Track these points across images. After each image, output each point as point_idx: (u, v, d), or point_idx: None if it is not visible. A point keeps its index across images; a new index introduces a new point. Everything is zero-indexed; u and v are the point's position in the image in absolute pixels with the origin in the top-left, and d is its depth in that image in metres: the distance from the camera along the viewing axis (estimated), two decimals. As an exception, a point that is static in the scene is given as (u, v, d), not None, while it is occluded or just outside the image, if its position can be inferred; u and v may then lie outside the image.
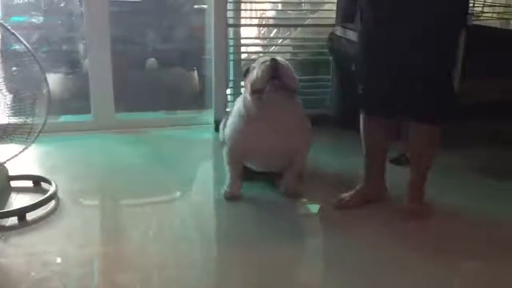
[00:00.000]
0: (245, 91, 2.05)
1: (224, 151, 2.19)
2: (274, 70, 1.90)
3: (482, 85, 2.76)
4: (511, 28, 3.25)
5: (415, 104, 1.93)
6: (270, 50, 3.52)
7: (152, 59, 4.47)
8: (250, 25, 3.34)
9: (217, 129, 3.13)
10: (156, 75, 4.40)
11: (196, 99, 3.83)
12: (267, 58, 1.97)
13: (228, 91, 3.21)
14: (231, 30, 3.13)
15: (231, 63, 3.19)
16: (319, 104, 3.26)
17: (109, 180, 2.44)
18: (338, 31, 2.94)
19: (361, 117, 2.12)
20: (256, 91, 1.92)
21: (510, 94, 2.83)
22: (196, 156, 2.84)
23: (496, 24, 3.09)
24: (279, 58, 1.99)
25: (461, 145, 2.79)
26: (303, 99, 3.23)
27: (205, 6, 3.48)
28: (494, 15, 3.13)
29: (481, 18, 3.00)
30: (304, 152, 2.19)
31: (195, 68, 4.35)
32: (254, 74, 1.96)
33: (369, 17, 1.97)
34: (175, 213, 2.14)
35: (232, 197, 2.16)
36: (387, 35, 1.90)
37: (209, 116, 3.25)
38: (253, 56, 3.53)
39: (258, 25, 3.42)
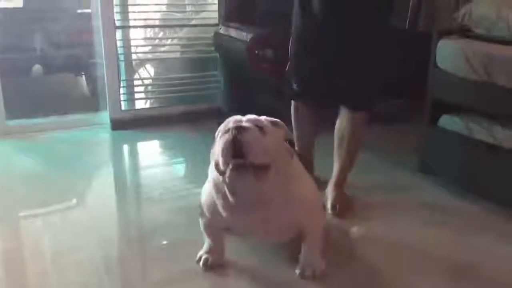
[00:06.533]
0: (211, 162, 1.55)
1: (200, 221, 1.74)
2: (235, 146, 1.40)
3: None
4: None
5: (352, 94, 2.07)
6: (160, 50, 3.68)
7: (38, 65, 4.41)
8: (138, 26, 3.45)
9: (114, 127, 3.26)
10: (42, 81, 4.35)
11: (87, 103, 3.86)
12: (232, 122, 1.46)
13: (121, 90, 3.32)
14: (119, 32, 3.24)
15: (122, 63, 3.30)
16: (210, 99, 3.48)
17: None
18: (222, 29, 3.18)
19: (293, 108, 2.26)
20: (219, 172, 1.46)
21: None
22: (94, 157, 2.87)
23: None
24: (247, 121, 1.46)
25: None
26: (193, 96, 3.52)
27: (88, 10, 3.54)
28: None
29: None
30: (311, 226, 1.69)
31: (83, 73, 4.37)
32: (216, 146, 1.47)
33: (303, 13, 2.06)
34: (74, 222, 2.11)
35: (213, 266, 1.74)
36: (322, 30, 2.01)
37: (104, 116, 3.32)
38: (148, 56, 3.65)
39: (146, 26, 3.54)
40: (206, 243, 1.77)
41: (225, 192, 1.50)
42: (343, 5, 1.97)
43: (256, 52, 2.79)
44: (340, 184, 2.18)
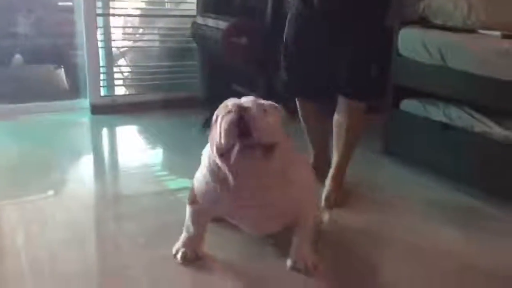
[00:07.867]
0: (210, 147, 1.48)
1: (188, 209, 1.65)
2: (240, 125, 1.34)
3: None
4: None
5: (347, 82, 2.05)
6: (140, 39, 3.80)
7: (18, 56, 4.47)
8: (118, 14, 3.55)
9: (93, 112, 3.37)
10: (22, 72, 4.42)
11: (66, 95, 3.95)
12: (232, 104, 1.38)
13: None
14: (100, 19, 3.35)
15: (102, 50, 3.41)
16: (188, 87, 3.61)
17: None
18: (199, 19, 3.32)
19: (298, 105, 2.28)
20: (221, 154, 1.40)
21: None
22: (73, 138, 2.99)
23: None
24: (247, 102, 1.40)
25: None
26: (171, 84, 3.64)
27: (70, 3, 3.65)
28: None
29: None
30: (305, 216, 1.65)
31: (62, 66, 4.46)
32: (217, 128, 1.39)
33: (299, 5, 2.06)
34: (51, 206, 2.07)
35: (192, 259, 1.66)
36: (319, 23, 2.01)
37: (84, 102, 3.44)
38: (129, 44, 3.77)
39: (127, 15, 3.65)
40: (183, 235, 1.68)
41: (223, 177, 1.45)
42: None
43: (231, 39, 2.94)
44: (337, 177, 2.17)
